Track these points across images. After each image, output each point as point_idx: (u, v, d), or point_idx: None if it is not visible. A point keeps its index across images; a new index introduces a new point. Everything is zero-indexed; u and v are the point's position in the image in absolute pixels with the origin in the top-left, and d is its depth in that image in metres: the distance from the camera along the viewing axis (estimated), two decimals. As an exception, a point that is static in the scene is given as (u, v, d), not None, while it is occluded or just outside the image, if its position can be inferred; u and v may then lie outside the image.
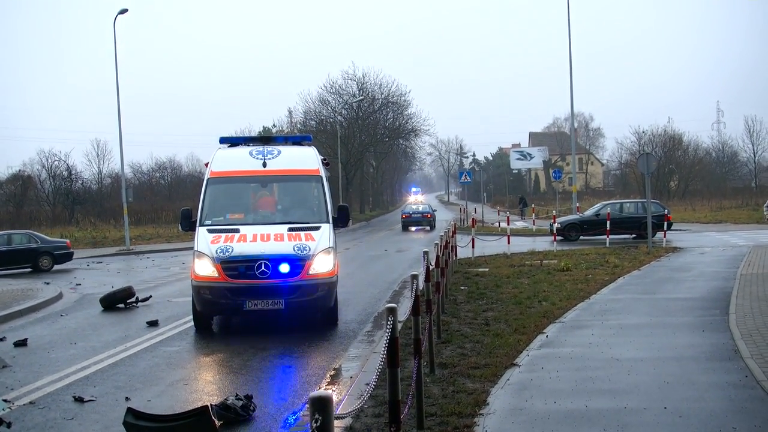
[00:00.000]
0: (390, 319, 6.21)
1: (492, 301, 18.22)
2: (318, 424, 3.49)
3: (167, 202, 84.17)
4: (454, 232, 26.77)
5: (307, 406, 10.15)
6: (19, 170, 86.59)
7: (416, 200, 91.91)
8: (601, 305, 16.99)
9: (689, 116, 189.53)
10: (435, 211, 68.08)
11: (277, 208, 17.78)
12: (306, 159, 17.98)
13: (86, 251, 47.94)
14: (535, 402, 9.41)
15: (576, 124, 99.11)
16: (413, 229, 61.39)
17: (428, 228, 60.74)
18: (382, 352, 6.48)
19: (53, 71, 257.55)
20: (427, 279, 11.83)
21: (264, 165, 17.45)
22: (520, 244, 36.34)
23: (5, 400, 10.74)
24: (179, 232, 47.90)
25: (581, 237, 40.36)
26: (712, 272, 22.62)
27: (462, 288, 20.85)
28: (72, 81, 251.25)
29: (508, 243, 33.21)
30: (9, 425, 7.37)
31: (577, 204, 52.09)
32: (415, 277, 9.33)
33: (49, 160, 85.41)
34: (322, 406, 3.52)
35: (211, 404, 9.34)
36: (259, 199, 17.94)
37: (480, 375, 10.96)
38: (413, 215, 63.41)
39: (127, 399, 10.87)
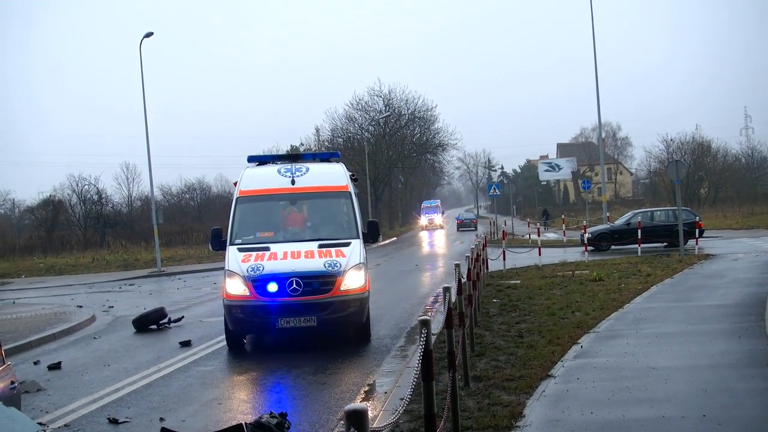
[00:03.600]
0: (423, 332, 6.17)
1: (525, 313, 18.11)
2: (354, 438, 3.46)
3: (197, 223, 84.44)
4: (484, 245, 26.67)
5: (341, 422, 10.13)
6: (50, 195, 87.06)
7: (431, 222, 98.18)
8: (635, 314, 16.85)
9: (717, 122, 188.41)
10: (477, 218, 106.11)
11: (307, 225, 17.78)
12: (334, 175, 17.97)
13: (118, 274, 48.19)
14: (571, 413, 9.33)
15: (603, 134, 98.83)
16: (464, 229, 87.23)
17: (474, 229, 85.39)
18: (416, 366, 6.44)
19: (81, 96, 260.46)
20: (460, 292, 11.77)
21: (293, 182, 17.46)
22: (552, 256, 36.14)
23: (40, 423, 10.76)
24: (210, 253, 48.00)
25: (612, 246, 40.08)
26: (746, 278, 22.41)
27: (494, 301, 20.75)
28: (101, 105, 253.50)
29: (539, 254, 33.05)
30: (45, 448, 7.40)
31: (608, 214, 51.80)
32: (447, 289, 9.28)
33: (79, 185, 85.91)
34: (357, 419, 3.49)
35: (245, 423, 9.33)
36: (289, 216, 17.94)
37: (515, 387, 10.89)
38: (464, 221, 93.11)
39: (161, 419, 10.87)
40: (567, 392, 10.39)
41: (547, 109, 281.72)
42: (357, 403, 3.63)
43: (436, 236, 76.94)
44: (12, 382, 8.96)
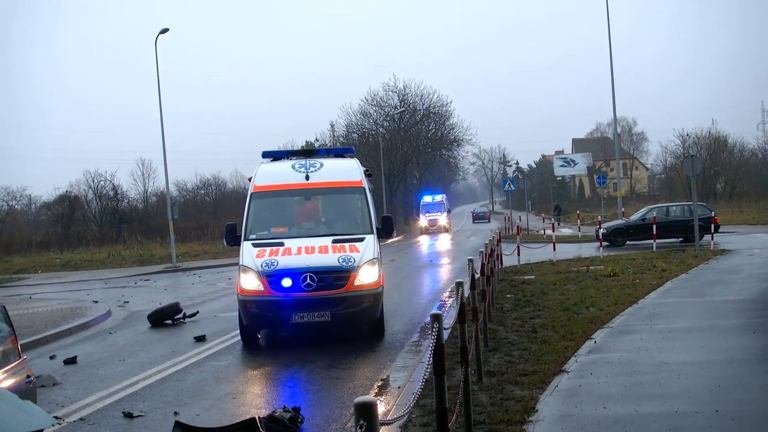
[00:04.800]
0: (435, 326, 6.18)
1: (539, 308, 18.10)
2: (363, 429, 3.47)
3: (212, 218, 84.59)
4: (498, 241, 26.64)
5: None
6: (66, 191, 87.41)
7: (432, 224, 76.59)
8: (649, 309, 16.83)
9: (734, 117, 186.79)
10: (491, 211, 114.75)
11: (321, 220, 17.82)
12: (349, 171, 17.99)
13: (133, 269, 48.34)
14: (584, 408, 9.33)
15: (619, 129, 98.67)
16: (478, 222, 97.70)
17: (487, 221, 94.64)
18: (429, 361, 6.46)
19: (97, 92, 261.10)
20: (473, 287, 11.77)
21: (307, 178, 17.48)
22: (566, 251, 36.09)
23: (56, 417, 10.82)
24: (225, 248, 48.10)
25: (627, 242, 39.96)
26: (762, 274, 22.34)
27: (508, 296, 20.74)
28: (117, 101, 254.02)
29: (554, 250, 33.02)
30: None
31: (623, 209, 51.62)
32: (460, 284, 9.29)
33: (95, 181, 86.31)
34: (366, 411, 3.50)
35: (258, 417, 9.36)
36: (303, 211, 17.98)
37: (528, 382, 10.89)
38: (479, 214, 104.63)
39: (175, 414, 10.92)
40: (580, 387, 10.39)
41: (563, 104, 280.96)
42: (367, 396, 3.63)
43: (440, 242, 58.95)
44: (28, 376, 9.02)
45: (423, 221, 77.69)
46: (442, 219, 78.24)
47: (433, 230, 75.48)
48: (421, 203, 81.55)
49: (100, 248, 67.61)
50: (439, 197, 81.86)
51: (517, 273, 27.40)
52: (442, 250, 49.08)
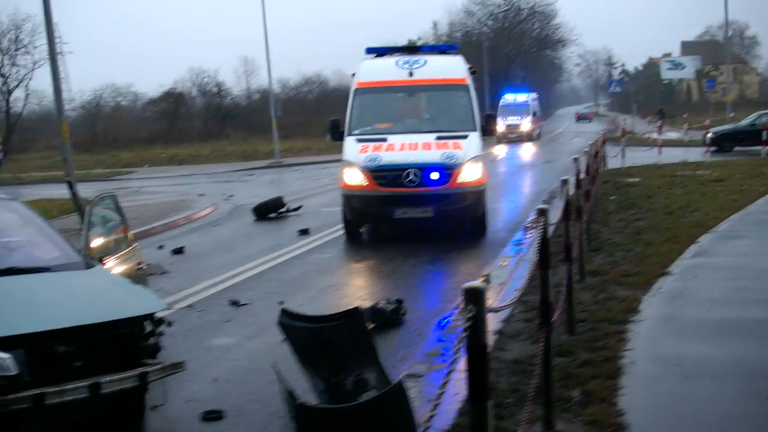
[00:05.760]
0: (541, 220, 6.17)
1: (643, 211, 17.87)
2: (472, 314, 3.52)
3: (315, 116, 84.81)
4: (603, 142, 26.24)
5: (457, 310, 10.28)
6: (171, 88, 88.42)
7: (512, 129, 59.80)
8: (756, 216, 16.47)
9: None
10: (595, 111, 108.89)
11: (425, 117, 17.77)
12: (453, 67, 17.80)
13: (237, 164, 49.07)
14: (688, 310, 9.27)
15: (730, 32, 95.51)
16: (581, 122, 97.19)
17: (589, 122, 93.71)
18: (533, 256, 6.48)
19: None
20: (578, 186, 11.68)
21: (410, 74, 17.36)
22: (672, 155, 35.28)
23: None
24: (328, 145, 48.15)
25: (735, 148, 38.92)
26: None
27: (612, 198, 20.52)
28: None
29: (659, 153, 32.39)
30: (170, 324, 7.71)
31: (732, 114, 50.26)
32: (565, 182, 9.22)
33: (199, 77, 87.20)
34: (475, 296, 3.53)
35: (362, 307, 9.52)
36: (406, 108, 17.95)
37: (631, 283, 10.83)
38: (582, 115, 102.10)
39: (280, 303, 11.15)
40: (684, 290, 10.30)
41: (671, 4, 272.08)
42: (476, 282, 3.66)
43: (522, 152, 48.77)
44: (139, 264, 9.28)
45: (500, 126, 56.18)
46: (525, 124, 61.53)
47: (512, 138, 59.07)
48: (500, 103, 64.14)
49: (205, 144, 68.58)
50: (523, 96, 65.97)
51: (622, 175, 27.00)
52: (542, 151, 48.47)
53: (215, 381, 8.13)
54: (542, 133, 67.33)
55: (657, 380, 7.05)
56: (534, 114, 64.54)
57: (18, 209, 8.46)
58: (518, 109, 62.61)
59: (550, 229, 6.68)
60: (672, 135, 56.77)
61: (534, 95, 69.11)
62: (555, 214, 11.89)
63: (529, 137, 60.24)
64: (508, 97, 65.41)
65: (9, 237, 8.06)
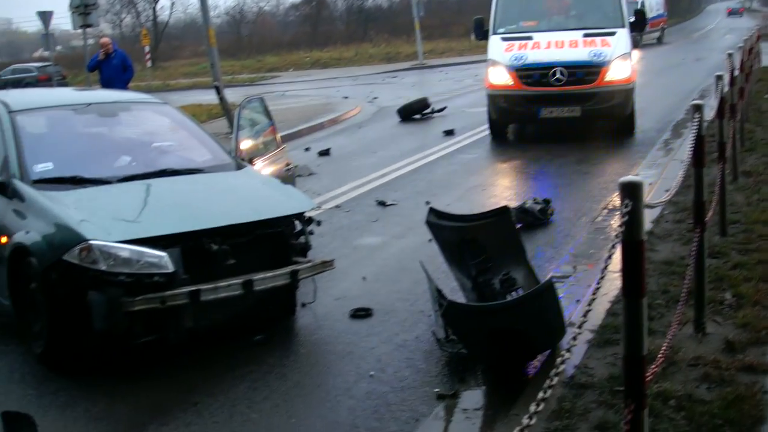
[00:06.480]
0: (696, 115, 5.95)
1: (800, 108, 17.13)
2: (628, 209, 3.44)
3: (457, 16, 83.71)
4: (758, 38, 25.05)
5: (605, 210, 10.16)
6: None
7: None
8: None
9: None
10: (747, 7, 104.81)
11: (571, 13, 17.29)
12: None
13: (380, 66, 49.09)
14: None
15: None
16: (732, 17, 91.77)
17: (740, 17, 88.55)
18: (685, 157, 6.28)
19: None
20: (732, 83, 11.23)
21: (556, -30, 16.94)
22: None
23: (314, 203, 11.37)
24: (471, 45, 47.65)
25: None
26: None
27: (766, 96, 19.70)
28: None
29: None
30: (319, 223, 7.85)
31: None
32: (719, 78, 8.87)
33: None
34: (632, 190, 3.45)
35: (509, 206, 9.47)
36: (553, 5, 17.53)
37: (787, 182, 10.44)
38: (733, 10, 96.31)
39: (427, 203, 11.19)
40: None
41: None
42: (633, 176, 3.58)
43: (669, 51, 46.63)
44: (287, 165, 9.43)
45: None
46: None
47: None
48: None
49: (347, 47, 68.77)
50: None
51: (778, 72, 25.81)
52: (695, 45, 46.76)
53: (363, 279, 8.25)
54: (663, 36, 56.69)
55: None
56: (661, 16, 55.64)
57: (170, 113, 8.69)
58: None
59: (706, 125, 6.43)
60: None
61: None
62: (707, 113, 11.51)
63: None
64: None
65: (162, 140, 8.30)
